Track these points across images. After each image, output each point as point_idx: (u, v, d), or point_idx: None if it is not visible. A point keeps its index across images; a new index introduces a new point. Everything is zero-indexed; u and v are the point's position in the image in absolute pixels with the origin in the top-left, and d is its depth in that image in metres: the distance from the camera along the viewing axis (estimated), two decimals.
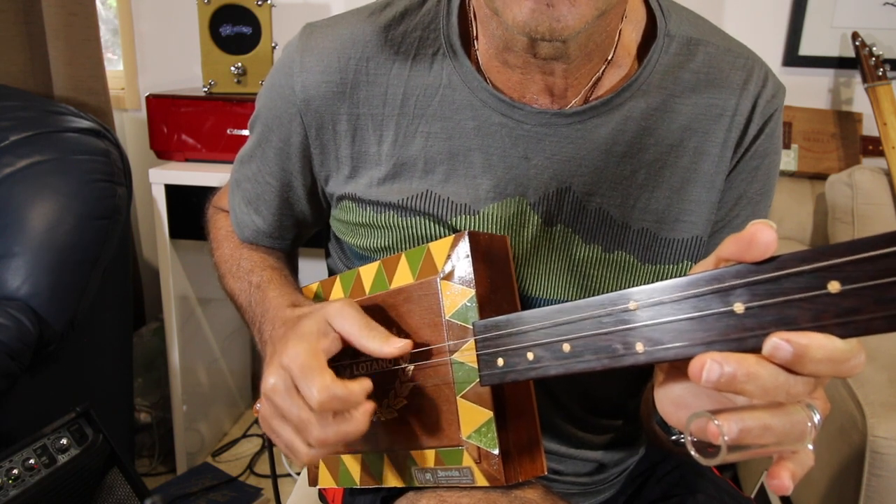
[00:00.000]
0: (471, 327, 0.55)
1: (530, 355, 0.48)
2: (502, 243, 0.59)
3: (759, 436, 0.36)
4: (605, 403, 0.74)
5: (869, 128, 1.69)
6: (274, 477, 0.73)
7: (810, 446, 0.39)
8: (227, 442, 1.90)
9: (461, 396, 0.56)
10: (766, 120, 0.66)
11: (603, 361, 0.43)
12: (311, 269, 1.89)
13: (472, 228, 0.64)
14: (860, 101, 1.73)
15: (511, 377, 0.50)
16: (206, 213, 0.91)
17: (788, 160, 1.71)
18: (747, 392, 0.36)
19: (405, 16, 0.66)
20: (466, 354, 0.55)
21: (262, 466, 1.82)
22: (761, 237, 0.36)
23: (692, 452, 0.38)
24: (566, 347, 0.45)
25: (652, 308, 0.41)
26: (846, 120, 1.71)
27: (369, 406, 0.53)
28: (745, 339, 0.38)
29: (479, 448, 0.55)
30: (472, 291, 0.55)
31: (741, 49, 0.67)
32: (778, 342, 0.35)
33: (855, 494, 1.10)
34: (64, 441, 1.14)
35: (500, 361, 0.51)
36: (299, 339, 0.55)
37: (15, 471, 1.07)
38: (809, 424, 0.37)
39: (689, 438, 0.38)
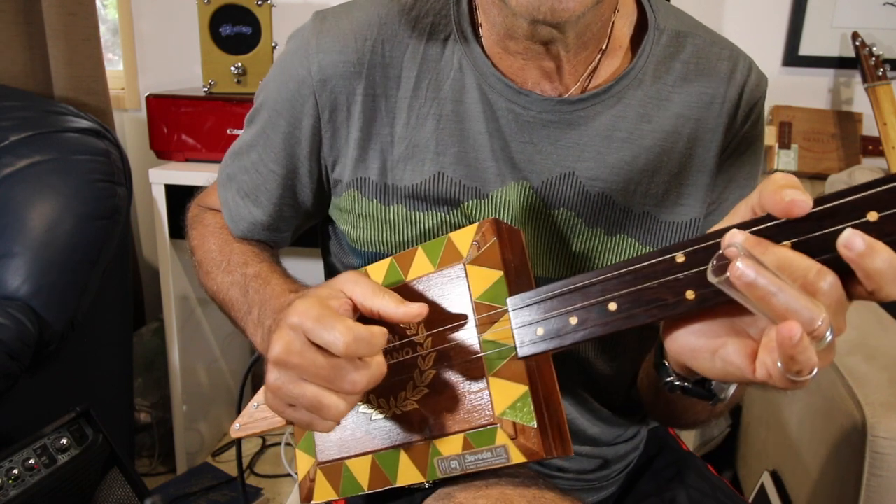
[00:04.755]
0: (502, 306, 0.55)
1: (573, 319, 0.49)
2: (519, 236, 0.60)
3: (770, 294, 0.37)
4: (611, 392, 0.74)
5: (869, 128, 1.69)
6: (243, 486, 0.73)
7: (814, 370, 0.39)
8: (227, 442, 1.90)
9: (493, 374, 0.56)
10: (752, 106, 0.69)
11: (653, 314, 0.45)
12: (311, 270, 1.89)
13: (482, 212, 0.67)
14: (860, 101, 1.73)
15: (554, 344, 0.51)
16: (187, 213, 0.88)
17: (788, 160, 1.71)
18: (767, 259, 0.39)
19: (417, 1, 0.67)
20: (498, 332, 0.55)
21: (263, 466, 1.82)
22: (800, 209, 0.39)
23: (709, 266, 0.41)
24: (612, 306, 0.47)
25: (699, 256, 0.43)
26: (846, 120, 1.71)
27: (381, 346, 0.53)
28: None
29: (514, 423, 0.54)
30: (501, 272, 0.56)
31: (724, 42, 0.70)
32: (852, 235, 0.37)
33: (855, 494, 1.10)
34: (64, 441, 1.14)
35: (540, 330, 0.52)
36: (305, 300, 0.53)
37: (15, 471, 1.07)
38: (820, 322, 0.38)
39: (712, 263, 0.41)
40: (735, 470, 1.61)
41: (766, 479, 1.36)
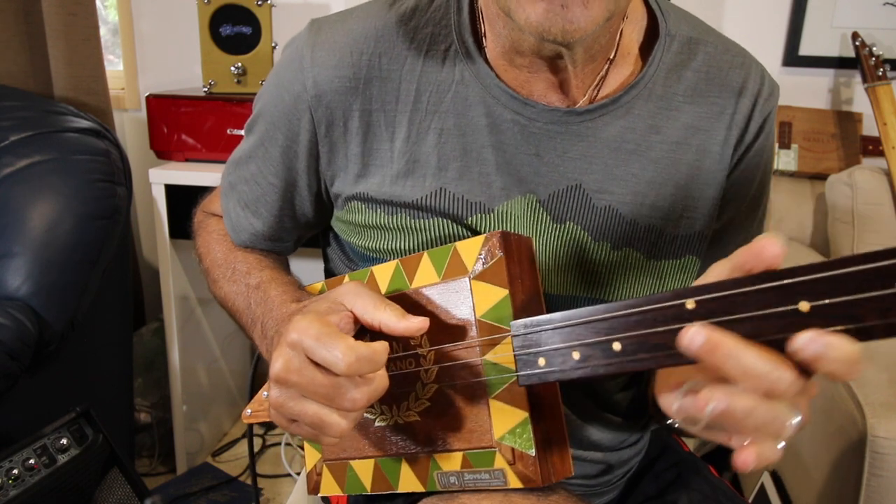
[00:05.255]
0: (506, 327, 0.54)
1: (576, 354, 0.48)
2: (528, 244, 0.59)
3: (742, 419, 0.39)
4: (616, 400, 0.74)
5: (869, 128, 1.69)
6: (254, 477, 0.73)
7: (781, 444, 0.41)
8: (227, 442, 1.90)
9: (494, 397, 0.55)
10: (765, 118, 0.68)
11: (658, 360, 0.44)
12: (310, 270, 1.89)
13: (487, 227, 0.65)
14: (860, 101, 1.73)
15: (555, 376, 0.50)
16: (193, 218, 0.88)
17: (788, 160, 1.71)
18: (727, 370, 0.38)
19: (416, 12, 0.65)
20: (500, 355, 0.54)
21: (263, 466, 1.82)
22: (770, 250, 0.39)
23: (676, 420, 0.41)
24: (617, 346, 0.46)
25: (711, 306, 0.41)
26: (846, 120, 1.71)
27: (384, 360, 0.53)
28: None
29: (513, 449, 0.54)
30: (506, 291, 0.54)
31: (737, 48, 0.68)
32: (811, 337, 0.37)
33: (855, 494, 1.10)
34: (64, 441, 1.13)
35: (542, 361, 0.50)
36: (304, 316, 0.53)
37: (15, 471, 1.07)
38: (788, 423, 0.39)
39: (675, 407, 0.41)
40: (735, 470, 1.61)
41: (766, 480, 1.36)
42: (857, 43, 1.63)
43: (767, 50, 1.75)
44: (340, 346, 0.49)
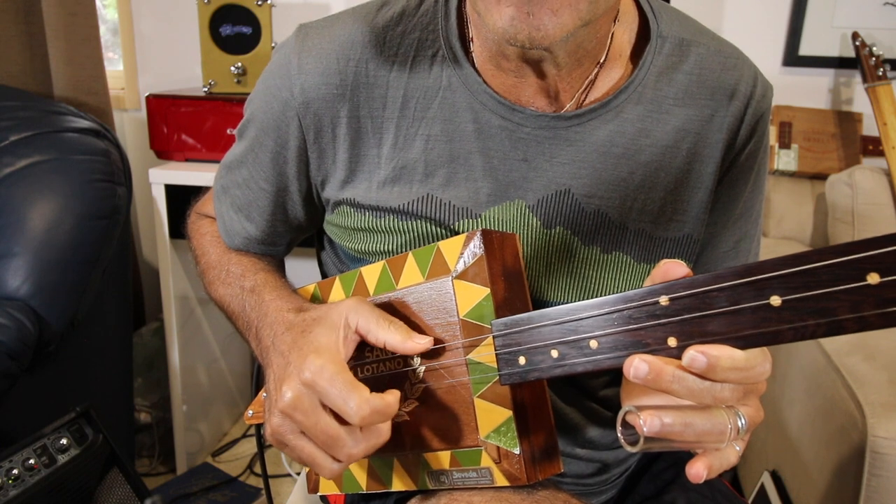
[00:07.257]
0: (487, 326, 0.54)
1: (555, 353, 0.49)
2: (512, 241, 0.59)
3: (680, 432, 0.41)
4: (609, 395, 0.74)
5: (869, 128, 1.69)
6: (266, 479, 0.73)
7: (737, 447, 0.45)
8: (227, 442, 1.90)
9: (478, 396, 0.55)
10: (758, 120, 0.67)
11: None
12: (306, 270, 1.89)
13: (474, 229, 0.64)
14: (860, 101, 1.73)
15: (534, 375, 0.50)
16: (186, 220, 0.88)
17: (788, 160, 1.71)
18: (674, 391, 0.41)
19: (403, 17, 0.65)
20: (483, 354, 0.54)
21: None
22: (675, 273, 0.43)
23: (620, 437, 0.43)
24: (593, 344, 0.46)
25: (684, 302, 0.42)
26: (846, 120, 1.71)
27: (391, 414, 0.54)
28: (782, 331, 0.38)
29: (498, 448, 0.54)
30: (488, 290, 0.54)
31: (730, 49, 0.67)
32: (694, 354, 0.40)
33: (855, 494, 1.10)
34: (64, 441, 1.14)
35: (522, 360, 0.51)
36: (318, 352, 0.53)
37: (15, 471, 1.07)
38: (730, 427, 0.42)
39: (618, 427, 0.43)
40: (735, 470, 1.61)
41: (766, 479, 1.36)
42: (857, 43, 1.63)
43: (767, 50, 1.75)
44: (356, 397, 0.51)
